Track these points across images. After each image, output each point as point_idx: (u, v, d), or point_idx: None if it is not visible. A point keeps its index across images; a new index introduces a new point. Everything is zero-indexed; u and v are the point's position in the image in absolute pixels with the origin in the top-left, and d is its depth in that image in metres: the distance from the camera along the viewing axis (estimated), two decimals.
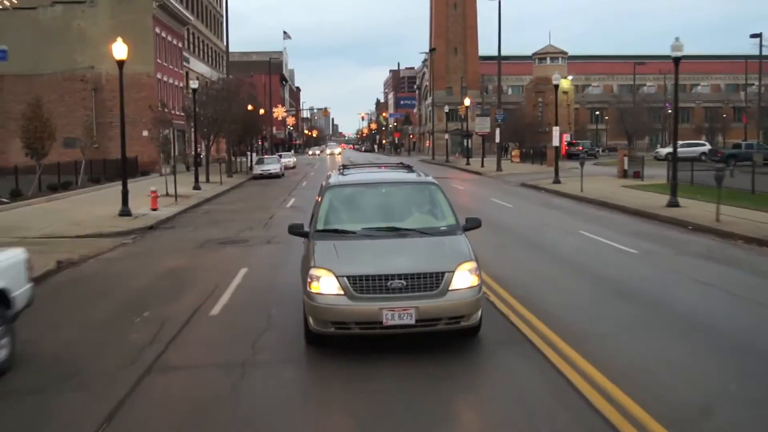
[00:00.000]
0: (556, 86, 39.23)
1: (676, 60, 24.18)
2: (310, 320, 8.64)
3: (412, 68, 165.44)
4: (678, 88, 24.73)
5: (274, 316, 10.68)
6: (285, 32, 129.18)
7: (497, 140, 54.06)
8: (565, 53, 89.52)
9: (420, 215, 10.11)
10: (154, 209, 26.13)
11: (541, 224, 22.51)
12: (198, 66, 72.67)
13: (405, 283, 8.37)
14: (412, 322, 8.30)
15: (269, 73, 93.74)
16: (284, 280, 12.89)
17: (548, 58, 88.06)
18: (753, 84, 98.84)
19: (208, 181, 43.82)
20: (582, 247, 17.50)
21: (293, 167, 66.72)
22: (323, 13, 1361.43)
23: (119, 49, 24.93)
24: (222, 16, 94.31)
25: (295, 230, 10.03)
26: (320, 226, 9.65)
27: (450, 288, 8.47)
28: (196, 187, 37.83)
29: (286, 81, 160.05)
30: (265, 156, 63.49)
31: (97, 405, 7.39)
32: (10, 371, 8.36)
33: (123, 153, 26.41)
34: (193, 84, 38.76)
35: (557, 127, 39.18)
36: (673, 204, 24.44)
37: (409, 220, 9.91)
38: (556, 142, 39.56)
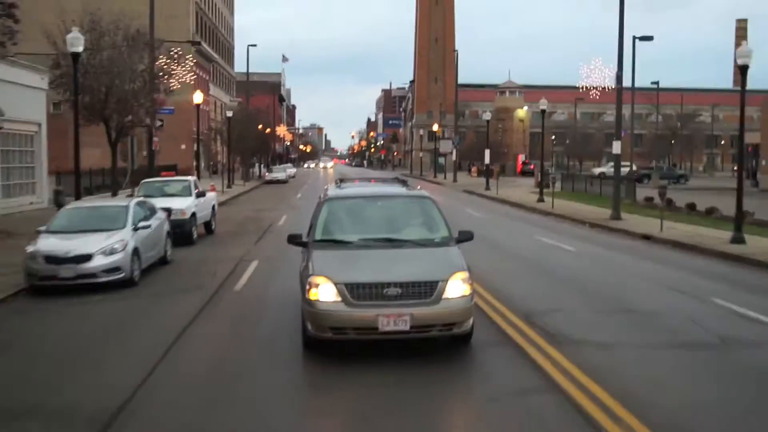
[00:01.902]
0: (488, 122, 54.88)
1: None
2: (309, 326, 8.97)
3: (404, 87, 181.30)
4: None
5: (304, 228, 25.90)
6: (284, 56, 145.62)
7: (454, 158, 69.65)
8: (522, 87, 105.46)
9: (415, 227, 10.46)
10: None
11: (445, 207, 37.83)
12: (216, 92, 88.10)
13: (400, 290, 8.72)
14: (407, 328, 8.63)
15: (273, 95, 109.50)
16: (305, 222, 28.11)
17: (507, 92, 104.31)
18: (701, 114, 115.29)
19: (231, 184, 58.98)
20: (460, 220, 32.65)
21: (293, 177, 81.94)
22: (323, 29, 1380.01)
23: (197, 96, 40.40)
24: (232, 47, 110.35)
25: (294, 240, 10.42)
26: (318, 236, 10.02)
27: (444, 296, 8.84)
28: (229, 187, 53.03)
29: (284, 100, 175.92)
30: (275, 166, 78.95)
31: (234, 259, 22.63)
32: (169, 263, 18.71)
33: (197, 165, 41.85)
34: (229, 113, 54.06)
35: (488, 150, 54.80)
36: (540, 200, 39.76)
37: (405, 232, 10.25)
38: (487, 161, 55.09)
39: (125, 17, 25.75)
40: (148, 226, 15.51)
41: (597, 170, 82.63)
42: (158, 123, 30.54)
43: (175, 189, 21.87)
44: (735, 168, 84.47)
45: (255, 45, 77.37)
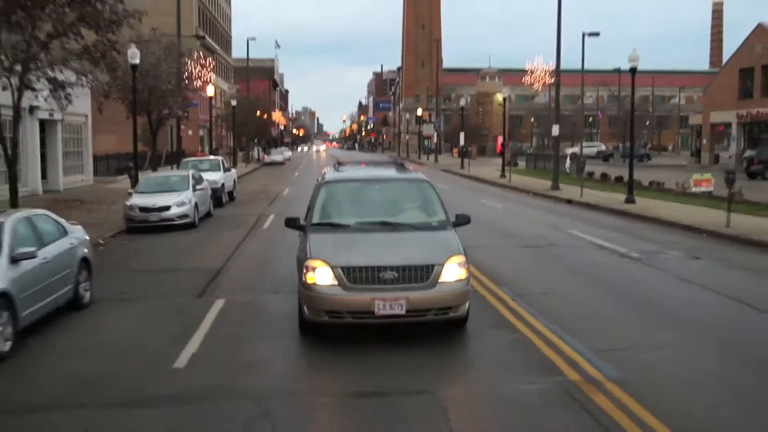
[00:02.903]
0: (462, 108, 62.08)
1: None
2: (305, 309, 9.08)
3: (395, 71, 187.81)
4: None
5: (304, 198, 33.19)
6: (276, 42, 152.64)
7: (435, 141, 76.89)
8: (502, 71, 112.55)
9: (412, 211, 10.56)
10: None
11: None
12: (216, 80, 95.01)
13: (396, 274, 8.78)
14: (403, 312, 8.72)
15: (268, 81, 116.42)
16: (305, 194, 35.17)
17: (487, 77, 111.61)
18: (675, 95, 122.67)
19: (235, 165, 66.15)
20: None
21: (289, 159, 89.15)
22: (316, 8, 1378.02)
23: (209, 89, 47.53)
24: (230, 36, 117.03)
25: (292, 224, 10.40)
26: (316, 220, 10.09)
27: (440, 280, 8.92)
28: (227, 169, 60.17)
29: (277, 85, 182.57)
30: (273, 149, 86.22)
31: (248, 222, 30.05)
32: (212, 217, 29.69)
33: (211, 149, 48.98)
34: (233, 102, 61.16)
35: (462, 133, 62.04)
36: (502, 176, 47.06)
37: (402, 216, 10.35)
38: (461, 143, 62.42)
39: (159, 32, 32.91)
40: (202, 189, 22.95)
41: (569, 150, 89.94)
42: (184, 114, 37.76)
43: (208, 165, 29.19)
44: (678, 149, 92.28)
45: (254, 38, 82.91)
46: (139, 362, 8.83)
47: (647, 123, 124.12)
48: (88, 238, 12.44)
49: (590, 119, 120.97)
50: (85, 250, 11.87)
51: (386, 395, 7.66)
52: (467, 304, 9.35)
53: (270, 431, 6.65)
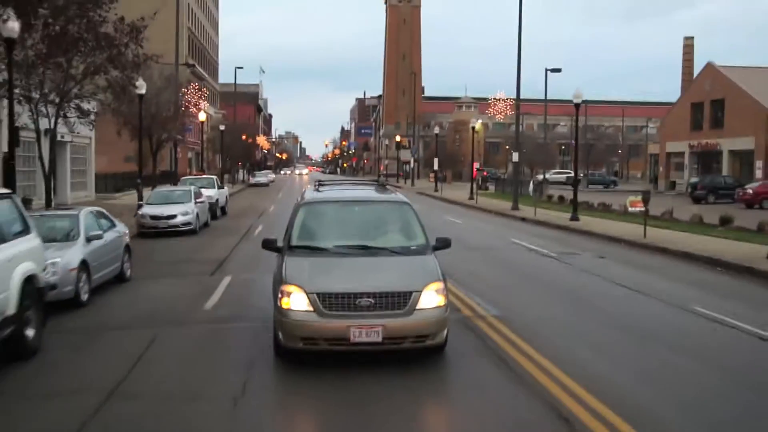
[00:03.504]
0: (437, 135, 66.46)
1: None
2: (280, 335, 8.94)
3: (377, 97, 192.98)
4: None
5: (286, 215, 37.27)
6: (261, 68, 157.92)
7: (412, 166, 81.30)
8: (478, 100, 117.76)
9: (392, 234, 10.42)
10: None
11: None
12: (204, 105, 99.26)
13: (373, 301, 8.65)
14: (379, 339, 8.59)
15: (252, 106, 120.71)
16: (289, 210, 39.40)
17: (464, 106, 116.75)
18: (646, 126, 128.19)
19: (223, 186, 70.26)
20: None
21: (273, 181, 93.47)
22: (302, 34, 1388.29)
23: (201, 115, 51.61)
24: (217, 63, 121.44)
25: (269, 245, 10.37)
26: (293, 242, 9.94)
27: (417, 307, 8.79)
28: (221, 187, 64.21)
29: (261, 110, 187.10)
30: (257, 172, 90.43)
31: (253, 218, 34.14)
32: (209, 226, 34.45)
33: (223, 169, 53.01)
34: (221, 127, 65.33)
35: (436, 159, 66.56)
36: (470, 199, 51.34)
37: (381, 239, 10.17)
38: (436, 167, 66.85)
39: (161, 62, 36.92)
40: (202, 202, 27.00)
41: (539, 176, 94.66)
42: (180, 138, 41.86)
43: (204, 183, 33.20)
44: (647, 176, 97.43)
45: (242, 67, 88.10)
46: (180, 307, 13.03)
47: (619, 151, 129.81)
48: (127, 231, 16.49)
49: (563, 147, 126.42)
50: (127, 239, 16.07)
51: None
52: (445, 331, 9.24)
53: (271, 338, 10.16)
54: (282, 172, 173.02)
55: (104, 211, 15.75)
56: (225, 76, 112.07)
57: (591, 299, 14.04)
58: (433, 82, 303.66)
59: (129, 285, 15.28)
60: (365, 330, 8.54)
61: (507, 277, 16.80)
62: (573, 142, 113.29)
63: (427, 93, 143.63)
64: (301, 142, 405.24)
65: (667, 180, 64.99)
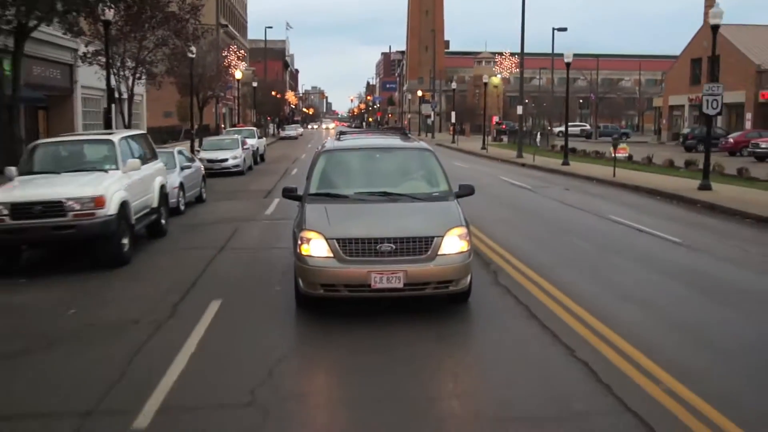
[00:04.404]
0: (454, 90, 71.28)
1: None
2: (300, 282, 8.94)
3: (402, 52, 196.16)
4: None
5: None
6: (288, 23, 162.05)
7: (432, 119, 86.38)
8: (496, 55, 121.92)
9: (413, 181, 10.31)
10: None
11: None
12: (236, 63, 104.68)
13: (394, 246, 8.56)
14: (401, 285, 8.52)
15: (280, 62, 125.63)
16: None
17: (483, 61, 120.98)
18: (662, 80, 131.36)
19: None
20: None
21: (302, 134, 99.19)
22: None
23: (238, 74, 57.01)
24: (245, 21, 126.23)
25: (289, 194, 10.43)
26: (313, 190, 9.91)
27: (439, 253, 8.69)
28: (260, 138, 69.88)
29: (288, 66, 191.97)
30: (287, 125, 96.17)
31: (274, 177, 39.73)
32: (252, 170, 40.23)
33: (256, 123, 58.57)
34: (254, 83, 70.62)
35: (453, 112, 71.54)
36: (483, 149, 56.42)
37: (402, 186, 10.05)
38: (453, 120, 71.84)
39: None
40: (248, 148, 32.63)
41: (557, 129, 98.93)
42: (222, 95, 47.52)
43: (246, 134, 38.78)
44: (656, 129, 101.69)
45: (271, 27, 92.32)
46: (248, 213, 18.86)
47: (636, 105, 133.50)
48: (202, 167, 22.29)
49: (581, 101, 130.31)
50: (203, 171, 21.97)
51: None
52: (469, 278, 9.17)
53: None
54: (309, 127, 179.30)
55: (185, 151, 21.41)
56: (252, 32, 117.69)
57: (539, 211, 19.55)
58: (457, 36, 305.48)
59: (207, 204, 21.07)
60: (386, 275, 8.50)
61: (486, 202, 22.12)
62: (593, 96, 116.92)
63: (451, 47, 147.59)
64: (327, 97, 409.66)
65: (670, 131, 69.45)
